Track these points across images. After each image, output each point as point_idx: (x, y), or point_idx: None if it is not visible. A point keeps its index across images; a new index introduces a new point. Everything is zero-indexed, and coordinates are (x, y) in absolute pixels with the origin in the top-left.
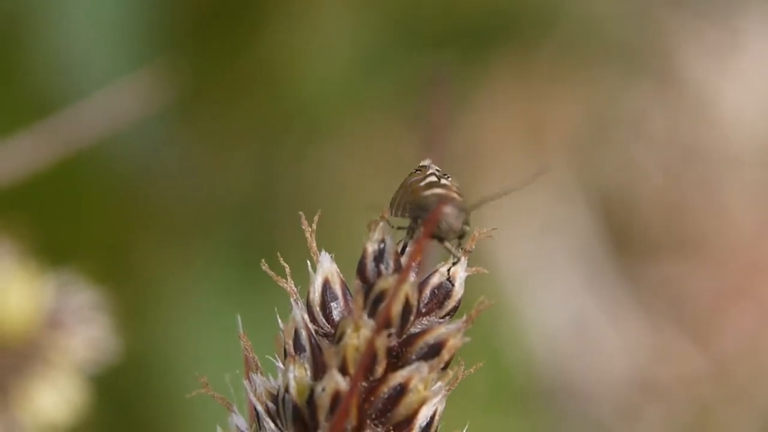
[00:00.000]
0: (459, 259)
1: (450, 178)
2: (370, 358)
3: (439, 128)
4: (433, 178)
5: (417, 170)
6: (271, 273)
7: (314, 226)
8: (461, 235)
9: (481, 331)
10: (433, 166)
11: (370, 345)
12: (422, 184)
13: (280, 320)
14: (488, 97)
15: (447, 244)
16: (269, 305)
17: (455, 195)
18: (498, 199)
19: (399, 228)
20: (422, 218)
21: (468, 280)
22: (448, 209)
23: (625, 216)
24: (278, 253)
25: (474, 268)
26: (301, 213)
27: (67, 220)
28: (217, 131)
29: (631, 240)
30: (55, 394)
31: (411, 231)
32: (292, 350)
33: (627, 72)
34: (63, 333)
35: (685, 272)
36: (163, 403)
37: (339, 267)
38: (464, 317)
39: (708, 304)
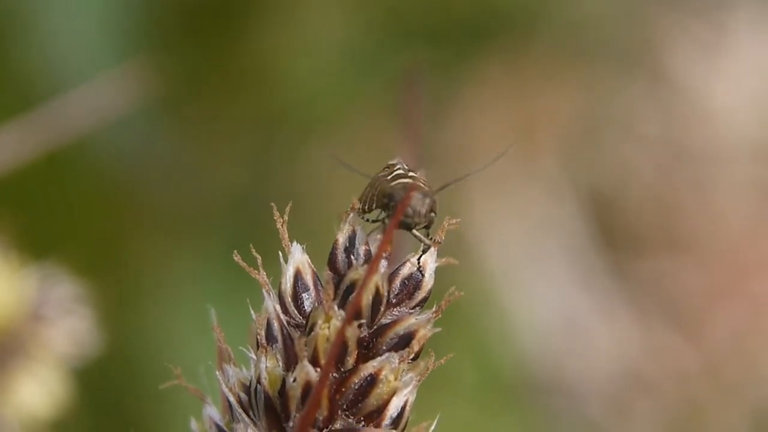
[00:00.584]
0: (429, 249)
1: (416, 173)
2: (340, 348)
3: (414, 127)
4: (400, 172)
5: (386, 167)
6: (243, 264)
7: (286, 217)
8: (429, 224)
9: (471, 327)
10: (401, 163)
11: (341, 336)
12: (389, 177)
13: (253, 311)
14: (479, 94)
15: (416, 232)
16: (254, 297)
17: (420, 183)
18: (460, 181)
19: (370, 220)
20: (390, 206)
21: (457, 277)
22: (413, 195)
23: (616, 213)
24: (251, 245)
25: (445, 259)
26: (272, 204)
27: (52, 214)
28: (207, 127)
29: (622, 237)
30: (38, 387)
31: (381, 221)
32: (264, 341)
33: (618, 70)
34: (45, 326)
35: (676, 269)
36: (147, 395)
37: (318, 259)
38: (434, 308)
39: (699, 301)
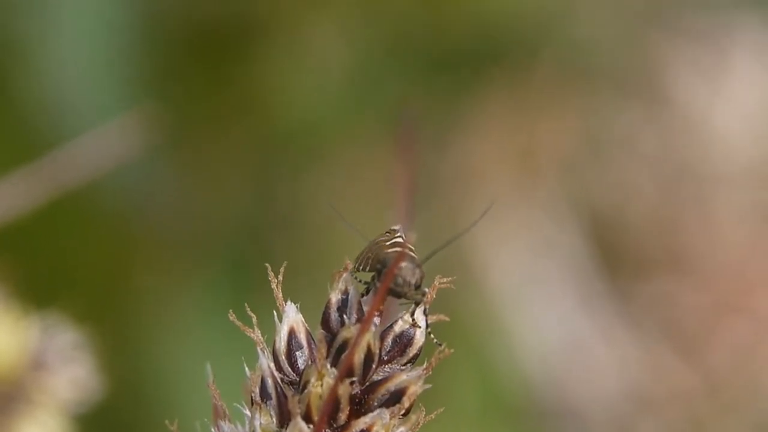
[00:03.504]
0: (420, 306)
1: (411, 242)
2: (333, 405)
3: (411, 156)
4: (399, 240)
5: (386, 232)
6: (238, 323)
7: (280, 277)
8: (418, 286)
9: (474, 351)
10: (401, 230)
11: (333, 393)
12: (387, 243)
13: (247, 368)
14: (480, 120)
15: (406, 296)
16: (250, 350)
17: (410, 252)
18: (446, 246)
19: (362, 282)
20: (383, 273)
21: (460, 300)
22: (405, 265)
23: (617, 235)
24: (246, 305)
25: (436, 316)
26: (267, 265)
27: (53, 260)
28: (209, 161)
29: (623, 258)
30: None
31: (372, 283)
32: (258, 398)
33: (619, 94)
34: (47, 373)
35: (677, 289)
36: None
37: (317, 298)
38: (425, 364)
39: (700, 320)
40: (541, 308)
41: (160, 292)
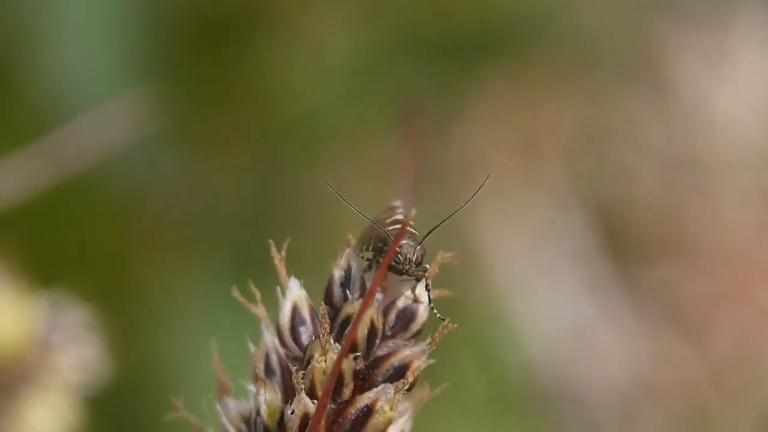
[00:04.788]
0: (422, 281)
1: (412, 218)
2: (337, 380)
3: (415, 143)
4: (399, 218)
5: (387, 209)
6: (241, 299)
7: (283, 253)
8: (419, 263)
9: (478, 338)
10: (402, 207)
11: (337, 368)
12: (388, 221)
13: (252, 345)
14: (483, 107)
15: (407, 273)
16: (255, 326)
17: (411, 229)
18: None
19: (365, 258)
20: (384, 251)
21: (463, 285)
22: (404, 240)
23: (621, 222)
24: (249, 281)
25: (439, 291)
26: (270, 241)
27: (61, 241)
28: (214, 147)
29: (627, 245)
30: (48, 416)
31: (374, 260)
32: (263, 374)
33: (620, 80)
34: (55, 353)
35: (681, 277)
36: (154, 423)
37: (322, 280)
38: (428, 339)
39: (704, 307)
40: (545, 294)
41: (165, 274)
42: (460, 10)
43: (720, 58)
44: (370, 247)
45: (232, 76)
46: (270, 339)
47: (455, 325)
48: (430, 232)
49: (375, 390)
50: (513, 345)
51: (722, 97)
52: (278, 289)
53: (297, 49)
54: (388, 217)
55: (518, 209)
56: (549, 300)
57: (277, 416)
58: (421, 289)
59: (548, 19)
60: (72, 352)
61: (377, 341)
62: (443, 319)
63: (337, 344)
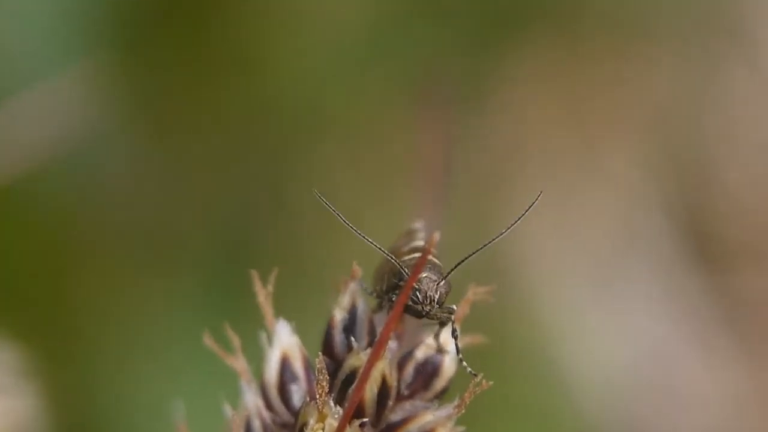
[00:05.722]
0: (448, 325)
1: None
2: None
3: (435, 146)
4: (419, 244)
5: (405, 234)
6: (215, 348)
7: (269, 287)
8: (443, 302)
9: (521, 397)
10: (422, 230)
11: None
12: (405, 249)
13: (228, 407)
14: (524, 78)
15: (428, 315)
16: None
17: (432, 259)
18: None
19: (374, 295)
20: (400, 287)
21: (503, 317)
22: (424, 274)
23: (708, 219)
24: (226, 323)
25: (470, 338)
26: (253, 271)
27: None
28: (179, 136)
29: (718, 249)
30: None
31: (387, 297)
32: None
33: (704, 44)
34: None
35: None
36: None
37: (315, 315)
38: (456, 400)
39: None
40: (611, 319)
41: (118, 305)
42: None
43: None
44: (383, 284)
45: (206, 40)
46: (252, 400)
47: (491, 383)
48: (459, 264)
49: None
50: (573, 391)
51: None
52: (263, 334)
53: (288, 10)
54: (406, 245)
55: (574, 209)
56: (617, 326)
57: None
58: (446, 336)
59: None
60: (2, 401)
61: (390, 403)
62: (475, 375)
63: (338, 407)
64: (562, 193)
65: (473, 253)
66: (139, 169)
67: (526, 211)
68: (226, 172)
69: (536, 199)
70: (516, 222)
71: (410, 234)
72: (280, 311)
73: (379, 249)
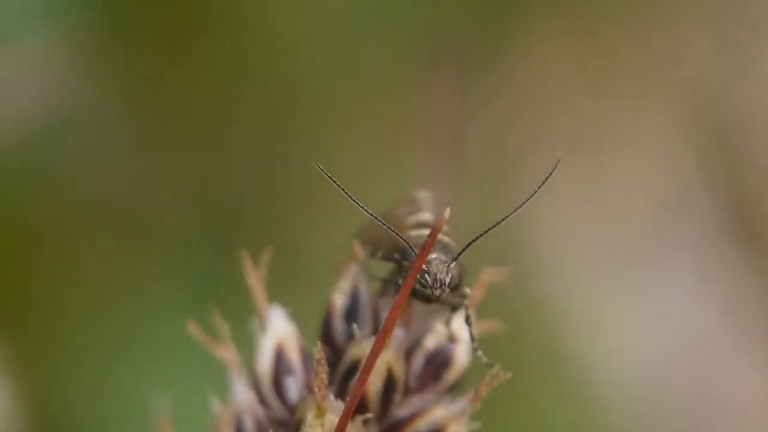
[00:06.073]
0: (461, 310)
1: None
2: None
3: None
4: (425, 218)
5: (406, 203)
6: (201, 336)
7: (262, 269)
8: (455, 285)
9: (542, 390)
10: (428, 199)
11: None
12: (410, 221)
13: (217, 401)
14: (543, 34)
15: (438, 300)
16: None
17: (444, 238)
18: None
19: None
20: (404, 267)
21: (522, 318)
22: (433, 254)
23: (753, 192)
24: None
25: (486, 323)
26: (243, 251)
27: None
28: (162, 107)
29: (762, 227)
30: None
31: (392, 279)
32: None
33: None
34: None
35: None
36: None
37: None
38: (470, 394)
39: None
40: (645, 304)
41: (93, 292)
42: None
43: None
44: (380, 255)
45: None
46: (243, 394)
47: (509, 374)
48: (473, 241)
49: None
50: (604, 382)
51: None
52: (255, 321)
53: None
54: (409, 214)
55: (597, 178)
56: (651, 314)
57: None
58: (459, 323)
59: None
60: None
61: (397, 397)
62: (491, 365)
63: (339, 401)
64: (589, 166)
65: (490, 228)
66: (118, 143)
67: (546, 178)
68: (212, 146)
69: (555, 167)
70: (536, 192)
71: (412, 204)
72: (274, 296)
73: (383, 223)
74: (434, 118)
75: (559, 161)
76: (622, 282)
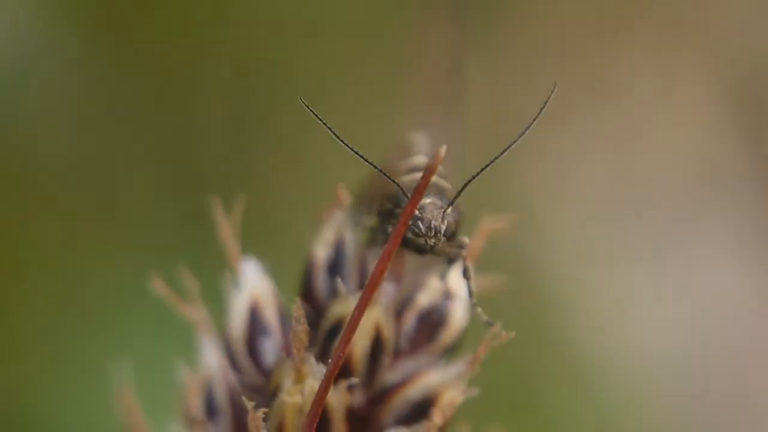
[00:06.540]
0: (458, 262)
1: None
2: (320, 425)
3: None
4: (420, 159)
5: (402, 147)
6: (168, 295)
7: (235, 218)
8: (452, 235)
9: (551, 352)
10: (423, 142)
11: (319, 403)
12: (404, 164)
13: (184, 366)
14: None
15: (433, 250)
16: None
17: (438, 180)
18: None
19: (367, 227)
20: (395, 215)
21: (527, 273)
22: (427, 199)
23: None
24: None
25: (486, 278)
26: (214, 198)
27: None
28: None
29: None
30: None
31: (380, 228)
32: (200, 414)
33: None
34: None
35: None
36: None
37: (292, 265)
38: (468, 356)
39: None
40: (675, 276)
41: (48, 243)
42: None
43: None
44: (376, 208)
45: None
46: (213, 358)
47: (511, 333)
48: (470, 181)
49: None
50: (628, 360)
51: None
52: (227, 276)
53: None
54: (403, 159)
55: (615, 131)
56: (685, 286)
57: None
58: (456, 277)
59: None
60: None
61: (386, 360)
62: (491, 323)
63: (320, 365)
64: (609, 122)
65: (485, 167)
66: (76, 85)
67: (545, 104)
68: (186, 94)
69: (552, 93)
70: (533, 122)
71: (408, 148)
72: (248, 248)
73: (371, 164)
74: (432, 58)
75: (555, 87)
76: (647, 259)
